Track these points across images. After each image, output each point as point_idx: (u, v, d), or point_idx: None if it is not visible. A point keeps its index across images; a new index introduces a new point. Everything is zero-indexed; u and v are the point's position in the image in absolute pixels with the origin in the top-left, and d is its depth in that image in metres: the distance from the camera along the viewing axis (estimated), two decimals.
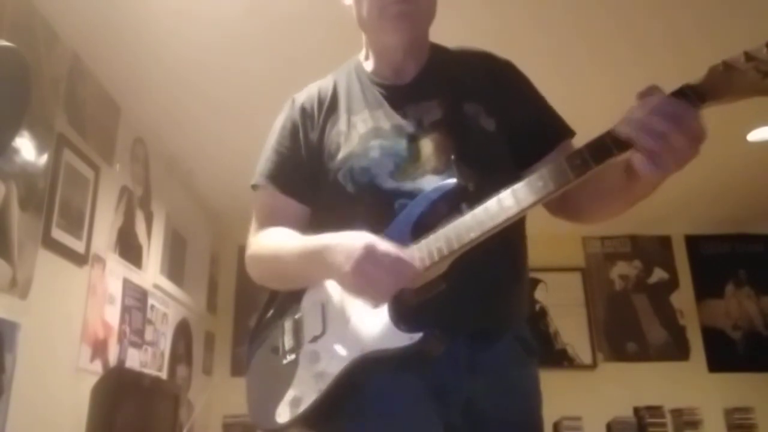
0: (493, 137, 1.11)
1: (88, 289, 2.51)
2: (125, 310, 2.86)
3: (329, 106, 1.19)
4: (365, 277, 0.91)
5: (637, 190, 0.91)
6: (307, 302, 1.08)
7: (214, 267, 4.46)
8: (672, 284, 4.69)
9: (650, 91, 0.81)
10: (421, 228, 0.97)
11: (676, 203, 3.94)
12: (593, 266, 4.73)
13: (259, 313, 1.19)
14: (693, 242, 4.77)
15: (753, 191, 4.05)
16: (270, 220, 1.17)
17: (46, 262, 2.21)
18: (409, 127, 1.11)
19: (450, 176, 1.01)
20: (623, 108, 0.84)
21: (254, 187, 1.21)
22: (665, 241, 4.79)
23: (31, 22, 2.18)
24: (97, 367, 2.56)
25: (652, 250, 4.78)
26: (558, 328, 4.53)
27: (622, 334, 4.56)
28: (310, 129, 1.18)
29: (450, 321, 0.97)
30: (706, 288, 4.67)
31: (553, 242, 4.01)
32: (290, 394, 1.02)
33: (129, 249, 2.96)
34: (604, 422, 4.18)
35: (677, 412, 4.19)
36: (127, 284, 2.90)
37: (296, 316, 1.09)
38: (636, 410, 4.20)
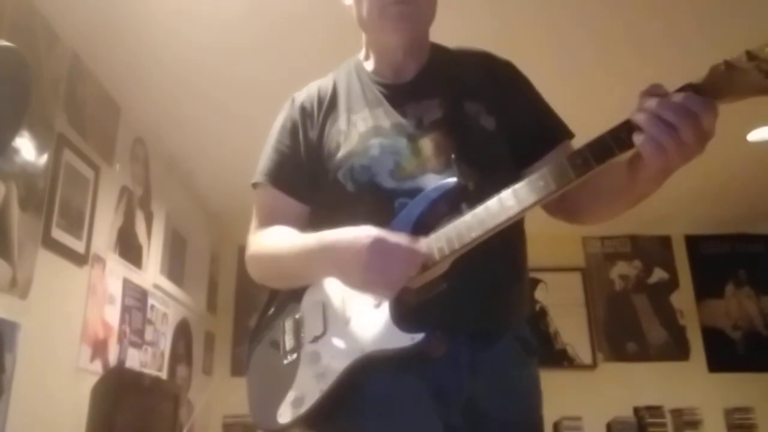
0: (493, 136, 1.11)
1: (88, 289, 2.51)
2: (125, 310, 2.86)
3: (329, 105, 1.19)
4: (377, 269, 0.91)
5: (638, 189, 0.90)
6: (308, 302, 1.08)
7: (214, 267, 4.46)
8: (672, 284, 4.70)
9: (654, 90, 0.81)
10: (421, 227, 0.97)
11: (676, 203, 3.94)
12: (593, 266, 4.74)
13: (259, 312, 1.18)
14: (693, 242, 4.77)
15: (753, 191, 4.05)
16: (270, 219, 1.17)
17: (46, 262, 2.21)
18: (409, 125, 1.11)
19: (450, 175, 1.01)
20: (624, 107, 0.84)
21: (254, 185, 1.21)
22: (665, 241, 4.79)
23: (31, 22, 2.18)
24: (97, 367, 2.55)
25: (652, 250, 4.78)
26: (558, 328, 4.53)
27: (622, 334, 4.56)
28: (310, 128, 1.18)
29: (450, 321, 0.97)
30: (706, 288, 4.67)
31: (553, 242, 4.01)
32: (291, 395, 1.02)
33: (129, 249, 2.96)
34: (604, 422, 4.18)
35: (677, 412, 4.19)
36: (127, 284, 2.90)
37: (296, 316, 1.09)
38: (636, 410, 4.20)
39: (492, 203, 0.90)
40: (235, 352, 4.38)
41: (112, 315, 2.74)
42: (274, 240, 1.12)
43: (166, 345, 3.42)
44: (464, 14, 2.28)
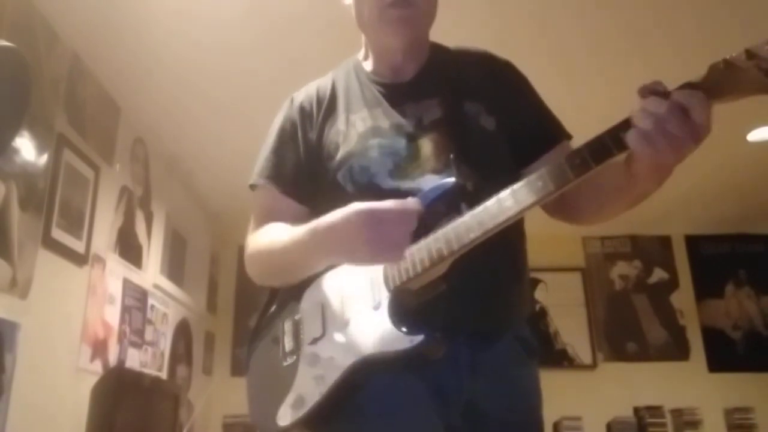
0: (493, 136, 1.10)
1: (88, 289, 2.51)
2: (125, 310, 2.86)
3: (328, 105, 1.18)
4: (378, 239, 0.90)
5: (637, 188, 0.90)
6: (307, 303, 1.08)
7: (214, 267, 4.46)
8: (672, 284, 4.69)
9: (654, 86, 0.80)
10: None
11: (676, 203, 3.94)
12: (593, 266, 4.73)
13: (259, 313, 1.18)
14: (693, 242, 4.77)
15: (753, 191, 4.05)
16: (268, 220, 1.16)
17: (46, 262, 2.21)
18: (408, 125, 1.10)
19: (449, 176, 1.01)
20: (623, 108, 0.83)
21: (252, 186, 1.21)
22: (665, 241, 4.79)
23: (31, 22, 2.18)
24: (97, 367, 2.55)
25: (652, 250, 4.78)
26: (558, 328, 4.53)
27: (622, 334, 4.56)
28: (309, 128, 1.17)
29: (450, 322, 0.97)
30: (706, 288, 4.67)
31: (553, 242, 4.01)
32: (291, 397, 1.01)
33: (129, 249, 2.96)
34: (604, 422, 4.18)
35: (677, 412, 4.19)
36: (127, 284, 2.90)
37: (296, 317, 1.08)
38: (636, 410, 4.20)
39: (491, 204, 0.90)
40: (235, 352, 4.38)
41: (112, 315, 2.74)
42: (271, 236, 1.11)
43: (166, 345, 3.42)
44: (464, 14, 2.28)
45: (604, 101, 2.22)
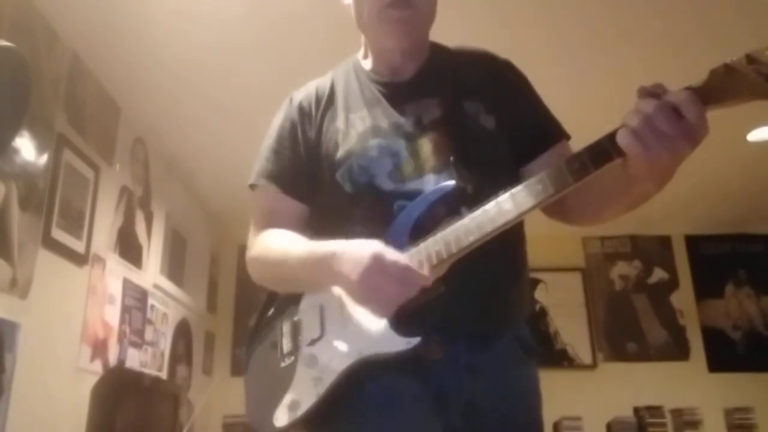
0: (492, 135, 1.10)
1: (88, 289, 2.51)
2: (125, 310, 2.86)
3: (327, 104, 1.18)
4: (372, 287, 0.91)
5: (636, 190, 0.90)
6: (306, 304, 1.08)
7: (214, 267, 4.46)
8: (672, 284, 4.69)
9: (653, 88, 0.80)
10: (419, 230, 0.97)
11: (676, 203, 3.94)
12: (593, 266, 4.73)
13: (258, 314, 1.18)
14: (693, 242, 4.77)
15: (753, 191, 4.05)
16: (269, 219, 1.16)
17: (46, 262, 2.21)
18: (407, 125, 1.10)
19: (449, 177, 1.01)
20: (625, 109, 0.83)
21: (252, 186, 1.21)
22: (665, 241, 4.79)
23: (31, 22, 2.18)
24: (97, 367, 2.55)
25: (652, 250, 4.78)
26: (558, 328, 4.53)
27: (622, 334, 4.56)
28: (308, 127, 1.17)
29: (449, 323, 0.97)
30: (706, 288, 4.67)
31: (553, 242, 4.01)
32: (288, 398, 1.01)
33: (129, 249, 2.96)
34: (604, 422, 4.18)
35: (677, 412, 4.19)
36: (127, 284, 2.90)
37: (294, 319, 1.08)
38: (636, 410, 4.20)
39: (490, 207, 0.90)
40: (235, 352, 4.38)
41: (112, 315, 2.74)
42: (278, 245, 1.11)
43: (166, 345, 3.42)
44: (464, 14, 2.28)
45: (605, 103, 2.22)
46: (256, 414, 1.09)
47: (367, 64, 1.22)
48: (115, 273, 2.78)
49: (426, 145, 1.07)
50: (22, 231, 2.07)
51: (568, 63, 2.69)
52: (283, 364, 1.06)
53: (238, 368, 4.25)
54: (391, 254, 0.92)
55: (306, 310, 1.07)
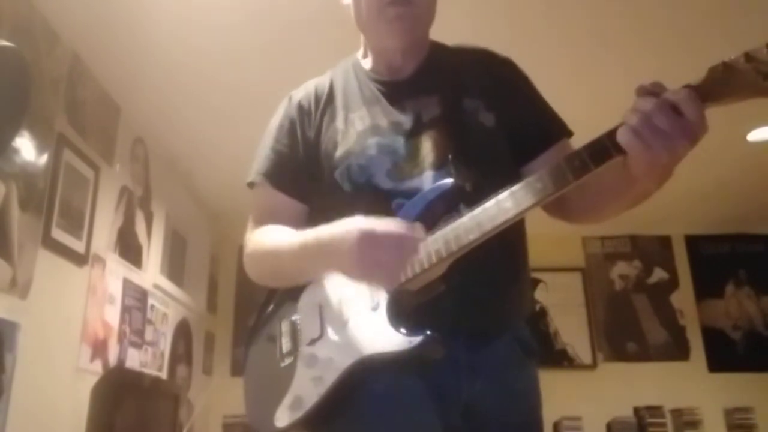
0: (492, 133, 1.10)
1: (88, 289, 2.51)
2: (125, 310, 2.86)
3: (326, 104, 1.18)
4: (372, 262, 0.90)
5: (636, 188, 0.90)
6: (305, 303, 1.07)
7: (214, 267, 4.46)
8: (672, 284, 4.69)
9: (652, 87, 0.81)
10: None
11: (676, 203, 3.94)
12: (593, 266, 4.73)
13: (256, 313, 1.18)
14: (693, 242, 4.77)
15: (753, 191, 4.04)
16: (267, 218, 1.16)
17: (46, 262, 2.21)
18: (407, 122, 1.10)
19: (447, 175, 1.01)
20: (631, 101, 0.83)
21: (250, 184, 1.21)
22: (665, 241, 4.78)
23: (31, 22, 2.18)
24: (97, 367, 2.55)
25: (652, 250, 4.78)
26: (558, 328, 4.53)
27: (622, 334, 4.56)
28: (307, 126, 1.17)
29: (450, 322, 0.97)
30: (706, 288, 4.67)
31: (553, 242, 4.01)
32: (289, 398, 1.01)
33: (129, 249, 2.96)
34: (604, 422, 4.18)
35: (677, 412, 4.19)
36: (127, 284, 2.90)
37: (293, 318, 1.08)
38: (636, 410, 4.20)
39: (490, 205, 0.90)
40: (235, 352, 4.38)
41: (112, 315, 2.74)
42: (271, 238, 1.11)
43: (166, 345, 3.42)
44: (472, 14, 2.28)
45: (610, 99, 2.21)
46: (256, 414, 1.09)
47: (367, 63, 1.22)
48: (115, 273, 2.78)
49: (425, 143, 1.07)
50: (22, 231, 2.07)
51: (572, 60, 2.67)
52: (282, 364, 1.06)
53: (238, 368, 4.25)
54: (380, 224, 0.91)
55: (304, 309, 1.07)
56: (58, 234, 2.29)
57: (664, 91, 0.79)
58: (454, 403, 1.00)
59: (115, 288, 2.79)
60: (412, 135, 1.09)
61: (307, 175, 1.15)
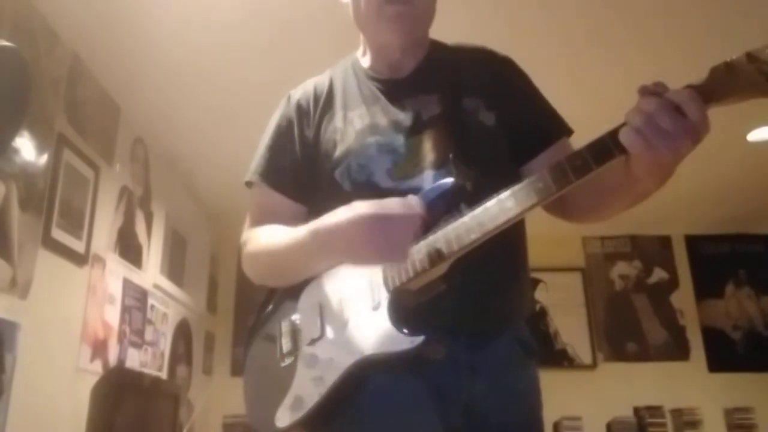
0: (492, 132, 1.10)
1: (88, 289, 2.51)
2: (125, 310, 2.86)
3: (325, 103, 1.18)
4: (382, 242, 0.90)
5: (637, 187, 0.90)
6: (305, 303, 1.07)
7: (214, 267, 4.46)
8: (672, 284, 4.69)
9: (654, 87, 0.81)
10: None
11: (676, 203, 3.94)
12: (593, 266, 4.73)
13: (256, 313, 1.17)
14: (693, 242, 4.77)
15: (753, 191, 4.05)
16: (264, 218, 1.16)
17: (46, 262, 2.21)
18: (406, 121, 1.10)
19: (447, 175, 1.00)
20: (631, 100, 0.83)
21: (248, 184, 1.20)
22: (665, 241, 4.79)
23: (31, 22, 2.18)
24: (97, 367, 2.55)
25: (652, 250, 4.78)
26: (558, 328, 4.53)
27: (622, 334, 4.56)
28: (306, 126, 1.17)
29: (450, 322, 0.97)
30: (706, 288, 4.67)
31: (553, 242, 4.01)
32: (289, 398, 1.01)
33: (129, 249, 2.96)
34: (604, 422, 4.18)
35: (677, 412, 4.19)
36: (127, 284, 2.90)
37: (293, 318, 1.07)
38: (636, 410, 4.20)
39: (491, 205, 0.90)
40: (235, 352, 4.38)
41: (112, 315, 2.74)
42: (270, 237, 1.10)
43: (166, 345, 3.42)
44: (470, 13, 2.28)
45: (609, 100, 2.21)
46: (256, 414, 1.08)
47: (366, 62, 1.22)
48: (115, 273, 2.78)
49: (425, 142, 1.07)
50: (22, 231, 2.07)
51: (571, 60, 2.68)
52: (282, 364, 1.05)
53: (237, 368, 4.25)
54: (378, 204, 0.92)
55: (304, 309, 1.06)
56: (58, 234, 2.29)
57: (667, 91, 0.79)
58: (454, 403, 1.00)
59: (115, 288, 2.79)
60: (412, 134, 1.08)
61: (304, 175, 1.14)
